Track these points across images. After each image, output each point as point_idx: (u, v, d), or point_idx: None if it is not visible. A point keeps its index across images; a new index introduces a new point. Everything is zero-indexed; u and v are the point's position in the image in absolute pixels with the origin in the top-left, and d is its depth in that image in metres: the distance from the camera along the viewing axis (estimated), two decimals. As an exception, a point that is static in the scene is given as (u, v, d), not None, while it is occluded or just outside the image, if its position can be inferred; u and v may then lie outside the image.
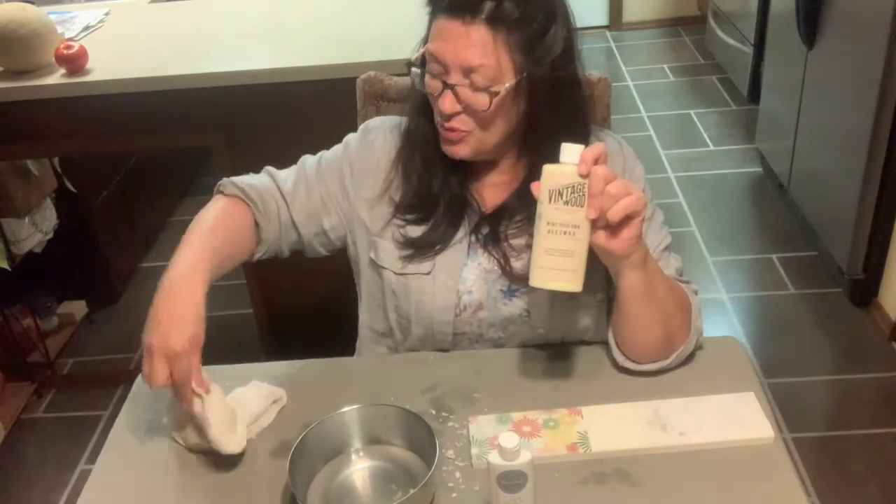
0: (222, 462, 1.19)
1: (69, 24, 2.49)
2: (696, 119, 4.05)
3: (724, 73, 4.41)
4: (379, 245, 1.35)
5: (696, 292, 1.31)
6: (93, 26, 2.50)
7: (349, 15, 2.47)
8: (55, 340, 2.85)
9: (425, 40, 1.24)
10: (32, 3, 2.38)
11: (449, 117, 1.20)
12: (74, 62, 2.16)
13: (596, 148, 1.08)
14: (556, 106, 1.22)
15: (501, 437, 1.00)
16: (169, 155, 3.57)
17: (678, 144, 3.83)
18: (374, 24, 2.38)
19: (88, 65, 2.19)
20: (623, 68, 4.67)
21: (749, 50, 3.89)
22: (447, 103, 1.19)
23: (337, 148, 1.41)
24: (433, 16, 1.22)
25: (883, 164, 2.52)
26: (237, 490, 1.15)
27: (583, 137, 1.23)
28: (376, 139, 1.37)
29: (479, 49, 1.16)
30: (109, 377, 2.72)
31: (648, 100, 4.24)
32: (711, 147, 3.81)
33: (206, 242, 1.22)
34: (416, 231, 1.32)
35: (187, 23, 2.54)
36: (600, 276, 1.29)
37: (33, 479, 2.38)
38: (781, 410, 2.35)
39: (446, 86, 1.19)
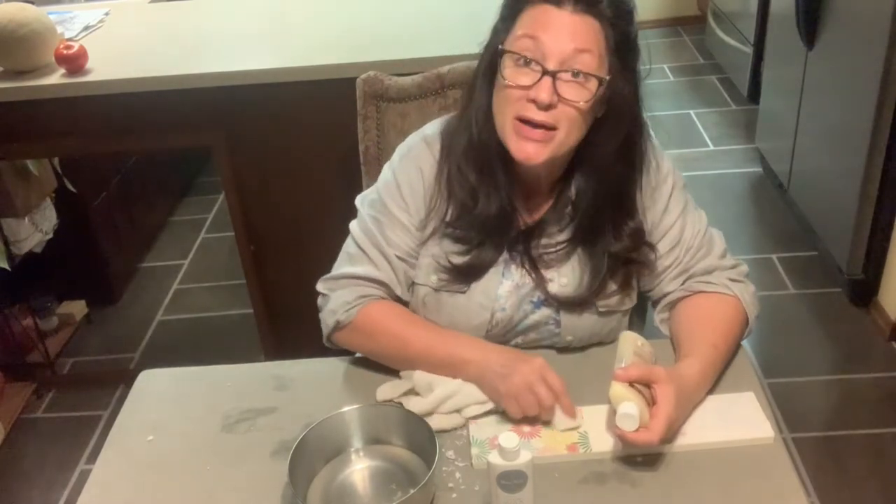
0: (222, 462, 1.19)
1: (69, 24, 2.49)
2: (696, 119, 4.05)
3: (724, 73, 4.41)
4: (417, 263, 1.33)
5: (746, 274, 1.33)
6: (93, 26, 2.50)
7: (349, 15, 2.47)
8: (55, 340, 2.84)
9: (500, 30, 1.22)
10: (32, 3, 2.37)
11: (546, 107, 1.15)
12: (74, 62, 2.16)
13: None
14: (621, 123, 1.24)
15: (501, 437, 1.00)
16: (169, 155, 3.57)
17: (678, 144, 3.83)
18: (374, 24, 2.38)
19: (88, 65, 2.19)
20: (623, 68, 4.67)
21: (749, 50, 3.89)
22: (546, 92, 1.14)
23: (379, 199, 1.34)
24: (526, 3, 1.18)
25: (883, 165, 2.52)
26: (237, 490, 1.15)
27: (632, 165, 1.27)
28: (418, 160, 1.33)
29: (584, 37, 1.15)
30: (109, 377, 2.72)
31: (648, 100, 4.19)
32: (711, 147, 3.81)
33: (427, 324, 1.31)
34: (458, 256, 1.29)
35: (187, 23, 2.54)
36: (630, 289, 1.32)
37: (33, 479, 2.38)
38: (781, 410, 2.35)
39: (546, 73, 1.15)
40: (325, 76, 2.11)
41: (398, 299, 1.34)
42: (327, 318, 1.32)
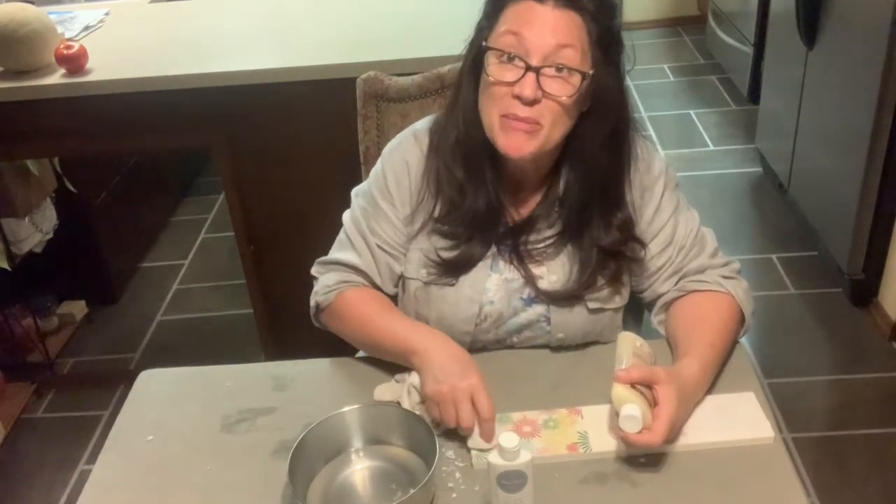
0: (222, 462, 1.19)
1: (69, 24, 2.49)
2: (696, 119, 4.05)
3: (724, 73, 4.41)
4: (406, 257, 1.35)
5: (738, 271, 1.33)
6: (93, 26, 2.50)
7: (349, 15, 2.47)
8: (55, 340, 2.84)
9: (483, 27, 1.23)
10: (32, 3, 2.38)
11: (531, 103, 1.16)
12: (74, 62, 2.16)
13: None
14: (607, 116, 1.23)
15: (501, 437, 1.00)
16: (169, 155, 3.57)
17: (678, 144, 3.83)
18: (374, 24, 2.38)
19: (88, 65, 2.19)
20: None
21: (749, 50, 3.88)
22: (530, 88, 1.15)
23: (368, 190, 1.37)
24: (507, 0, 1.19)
25: (883, 164, 2.52)
26: (237, 490, 1.15)
27: (620, 158, 1.27)
28: (405, 154, 1.34)
29: (566, 32, 1.16)
30: (109, 377, 2.72)
31: (648, 100, 4.24)
32: (711, 147, 3.81)
33: (395, 312, 1.33)
34: (447, 252, 1.30)
35: (187, 23, 2.54)
36: (620, 285, 1.32)
37: (33, 478, 2.38)
38: (781, 410, 2.35)
39: (530, 69, 1.15)
40: (325, 76, 2.11)
41: (379, 289, 1.37)
42: (311, 300, 1.38)
